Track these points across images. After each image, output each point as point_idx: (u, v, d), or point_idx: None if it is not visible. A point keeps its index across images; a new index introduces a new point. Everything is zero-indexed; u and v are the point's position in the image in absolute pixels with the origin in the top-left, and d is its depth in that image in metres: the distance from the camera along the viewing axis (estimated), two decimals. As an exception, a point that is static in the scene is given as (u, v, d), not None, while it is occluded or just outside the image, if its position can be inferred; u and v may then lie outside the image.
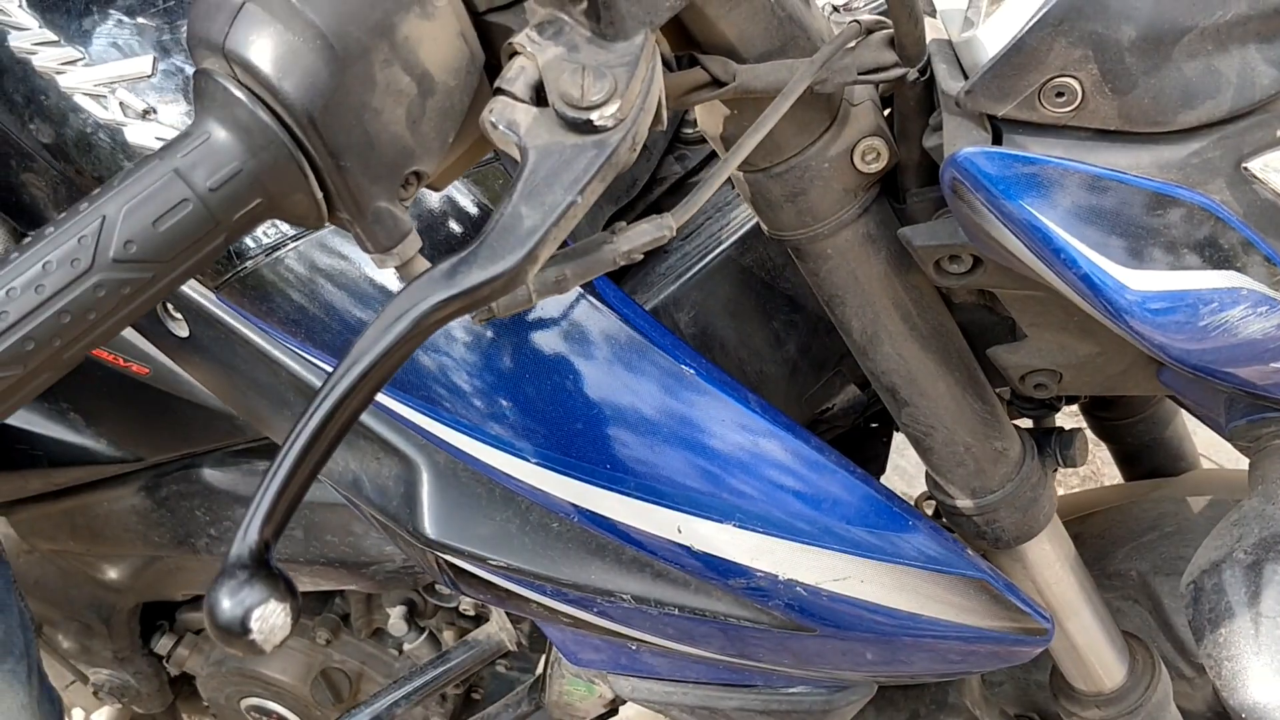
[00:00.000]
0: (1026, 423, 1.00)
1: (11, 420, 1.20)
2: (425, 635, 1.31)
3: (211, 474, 1.20)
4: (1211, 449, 1.80)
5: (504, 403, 0.80)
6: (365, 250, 0.57)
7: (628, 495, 0.82)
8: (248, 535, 0.50)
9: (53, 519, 1.33)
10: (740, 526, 0.83)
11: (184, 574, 1.34)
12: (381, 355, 0.52)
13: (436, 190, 0.76)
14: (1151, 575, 1.15)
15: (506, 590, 0.91)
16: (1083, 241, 0.65)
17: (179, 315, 0.94)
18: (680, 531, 0.82)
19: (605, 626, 0.92)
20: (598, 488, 0.81)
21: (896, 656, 0.92)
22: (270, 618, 0.49)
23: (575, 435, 0.81)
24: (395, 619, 1.29)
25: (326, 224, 0.56)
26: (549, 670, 1.19)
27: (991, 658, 0.94)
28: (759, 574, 0.84)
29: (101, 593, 1.42)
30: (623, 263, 0.62)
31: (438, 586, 1.26)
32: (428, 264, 0.57)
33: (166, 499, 1.24)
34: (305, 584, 1.27)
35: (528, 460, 0.81)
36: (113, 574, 1.38)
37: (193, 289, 0.91)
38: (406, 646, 1.31)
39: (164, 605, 1.53)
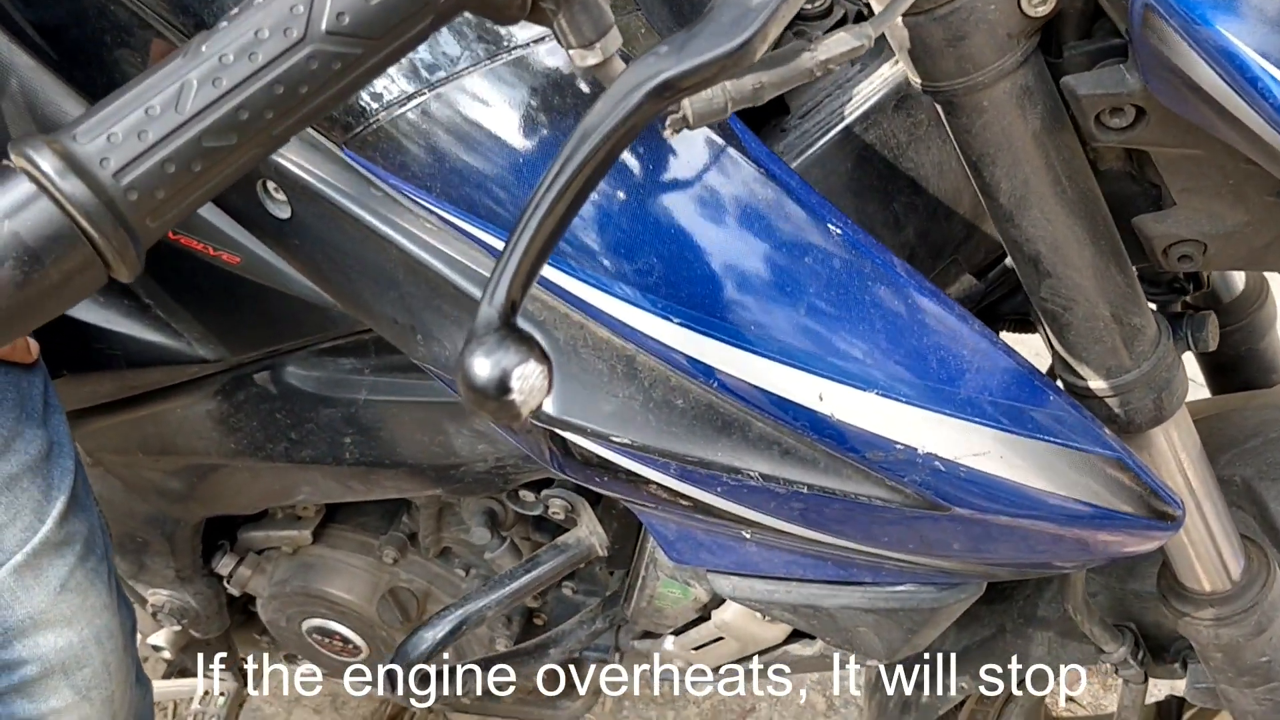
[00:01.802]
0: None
1: (89, 318, 1.17)
2: (507, 544, 1.29)
3: (295, 373, 1.17)
4: None
5: (646, 261, 0.78)
6: (565, 44, 0.54)
7: (770, 359, 0.79)
8: (495, 297, 0.48)
9: (122, 430, 1.31)
10: (883, 395, 0.80)
11: (257, 483, 1.31)
12: (613, 130, 0.49)
13: None
14: (1256, 480, 1.13)
15: (626, 472, 0.89)
16: (1281, 68, 0.62)
17: (281, 196, 0.91)
18: (822, 399, 0.80)
19: (728, 510, 0.89)
20: (740, 349, 0.79)
21: (1026, 542, 0.89)
22: (530, 377, 0.46)
23: (718, 295, 0.78)
24: (477, 527, 1.27)
25: (525, 17, 0.54)
26: (642, 574, 1.17)
27: (1120, 546, 0.91)
28: (898, 446, 0.81)
29: (167, 506, 1.40)
30: (819, 74, 0.60)
31: (522, 494, 1.24)
32: (624, 65, 0.54)
33: (245, 402, 1.21)
34: (389, 490, 1.24)
35: (670, 320, 0.78)
36: (180, 486, 1.36)
37: (300, 165, 0.88)
38: (488, 555, 1.28)
39: (225, 525, 1.51)
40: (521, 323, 0.49)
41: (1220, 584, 1.02)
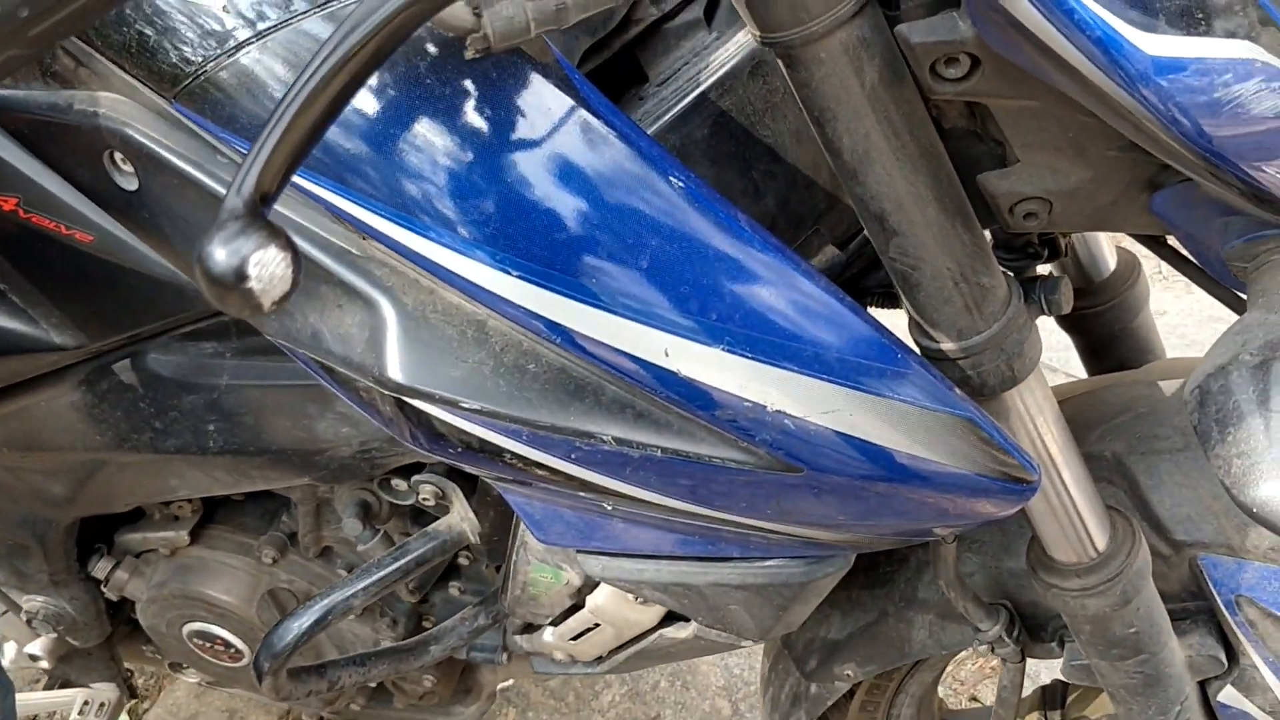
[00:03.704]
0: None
1: (-58, 309, 1.14)
2: (380, 536, 1.26)
3: (157, 359, 1.14)
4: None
5: (488, 216, 0.76)
6: None
7: (616, 314, 0.78)
8: (243, 186, 0.46)
9: (-15, 427, 1.27)
10: (730, 351, 0.79)
11: (126, 478, 1.28)
12: (382, 22, 0.48)
13: None
14: (1126, 455, 1.14)
15: (479, 441, 0.87)
16: (1098, 2, 0.63)
17: (128, 167, 0.89)
18: (668, 355, 0.79)
19: (585, 479, 0.88)
20: (585, 304, 0.77)
21: (882, 505, 0.89)
22: (270, 265, 0.44)
23: (561, 250, 0.77)
24: (349, 519, 1.24)
25: None
26: (513, 561, 1.15)
27: (976, 510, 0.91)
28: (747, 403, 0.81)
29: (38, 507, 1.36)
30: (626, -2, 0.59)
31: (393, 482, 1.22)
32: None
33: (108, 392, 1.18)
34: (257, 480, 1.22)
35: (510, 274, 0.77)
36: (50, 486, 1.32)
37: (143, 131, 0.86)
38: (360, 548, 1.26)
39: (101, 528, 1.47)
40: (271, 216, 0.47)
41: (1085, 554, 1.03)
